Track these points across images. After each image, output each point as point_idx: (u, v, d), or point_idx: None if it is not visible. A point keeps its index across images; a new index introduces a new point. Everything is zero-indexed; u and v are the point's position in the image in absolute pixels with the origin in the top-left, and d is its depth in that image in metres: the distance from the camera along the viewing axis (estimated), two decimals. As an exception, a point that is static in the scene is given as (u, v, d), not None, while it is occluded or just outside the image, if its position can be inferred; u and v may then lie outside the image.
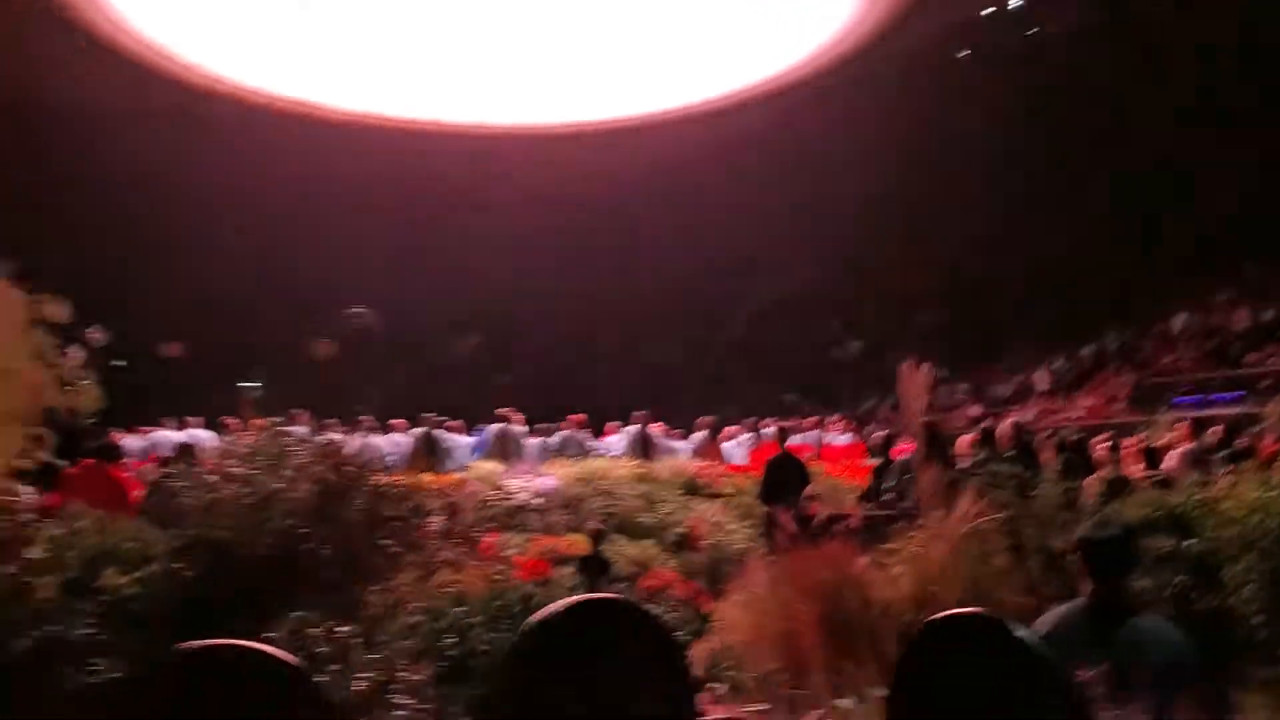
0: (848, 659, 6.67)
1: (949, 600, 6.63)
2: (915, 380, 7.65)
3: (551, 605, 2.47)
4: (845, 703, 5.04)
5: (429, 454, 17.15)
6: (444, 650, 3.91)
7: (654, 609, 3.99)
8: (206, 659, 2.19)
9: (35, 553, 5.29)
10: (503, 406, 18.46)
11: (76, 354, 7.54)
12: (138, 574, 5.43)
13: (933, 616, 2.43)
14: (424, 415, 18.30)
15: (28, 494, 6.64)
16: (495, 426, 17.67)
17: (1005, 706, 2.06)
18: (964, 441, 10.87)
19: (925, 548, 7.23)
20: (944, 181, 32.21)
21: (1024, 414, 25.25)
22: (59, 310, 6.93)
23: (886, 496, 10.82)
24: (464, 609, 4.09)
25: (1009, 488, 7.27)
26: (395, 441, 18.21)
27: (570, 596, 4.67)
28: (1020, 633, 2.11)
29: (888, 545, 7.39)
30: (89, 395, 7.05)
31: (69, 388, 6.85)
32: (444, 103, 28.21)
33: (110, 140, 25.86)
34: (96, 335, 15.43)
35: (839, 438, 19.18)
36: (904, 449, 11.69)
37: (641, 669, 2.56)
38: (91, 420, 8.47)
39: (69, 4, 21.35)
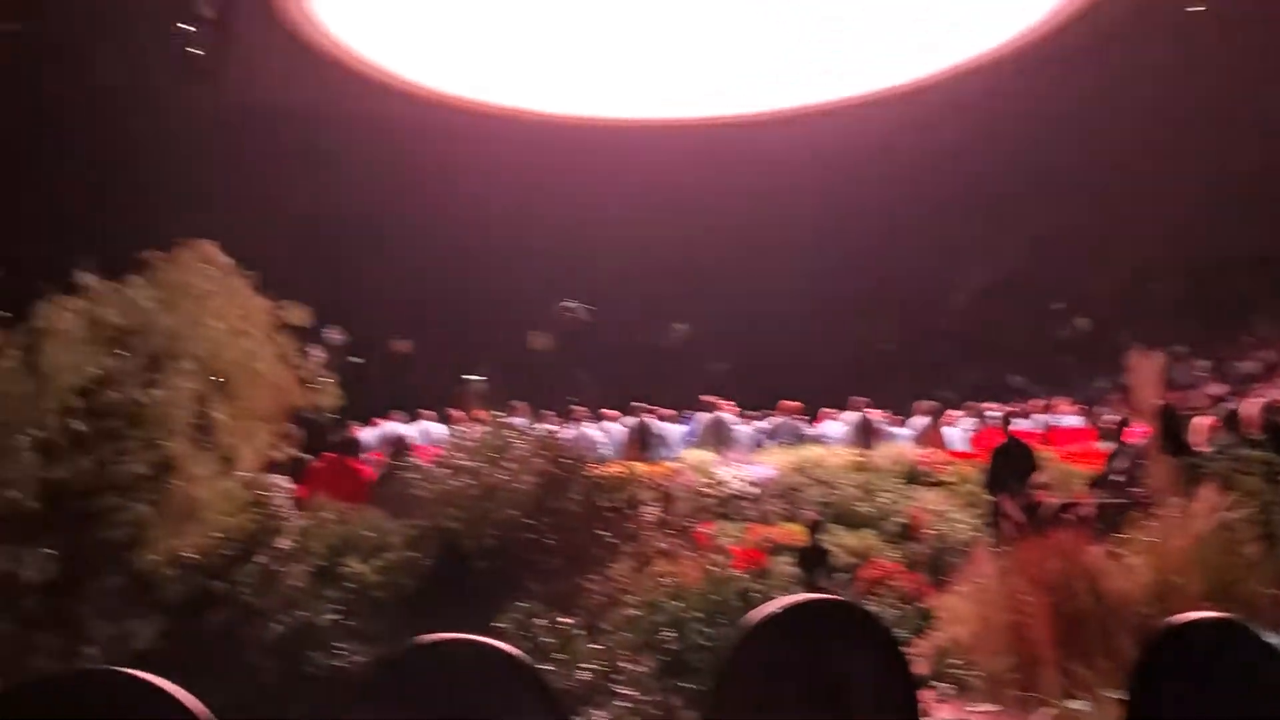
0: (1080, 656, 6.36)
1: (1191, 593, 6.25)
2: (1147, 366, 7.19)
3: (770, 603, 2.46)
4: (1079, 704, 4.80)
5: (641, 443, 17.37)
6: (664, 643, 3.95)
7: (874, 608, 3.90)
8: (441, 652, 2.29)
9: (285, 543, 5.65)
10: (716, 394, 18.51)
11: (317, 354, 8.03)
12: (377, 562, 5.72)
13: (1173, 618, 2.28)
14: (635, 404, 18.53)
15: (280, 487, 7.12)
16: (706, 414, 17.72)
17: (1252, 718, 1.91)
18: (1204, 424, 10.16)
19: (1164, 537, 6.82)
20: (1176, 142, 30.13)
21: (1272, 392, 23.47)
22: (300, 314, 7.40)
23: (1115, 480, 10.26)
24: (682, 603, 4.12)
25: (1258, 473, 6.76)
26: (608, 431, 18.56)
27: (788, 590, 4.66)
28: (1272, 640, 1.95)
29: (1122, 534, 6.99)
30: (329, 393, 7.50)
31: (311, 386, 7.31)
32: (654, 98, 28.47)
33: (335, 145, 27.38)
34: (335, 335, 16.41)
35: (1067, 421, 18.32)
36: (1137, 432, 11.04)
37: (863, 668, 2.52)
38: (332, 416, 9.01)
39: (301, 25, 22.70)
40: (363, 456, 14.17)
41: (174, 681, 2.45)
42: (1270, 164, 29.20)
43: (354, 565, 5.83)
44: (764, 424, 17.92)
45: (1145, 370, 7.17)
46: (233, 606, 5.43)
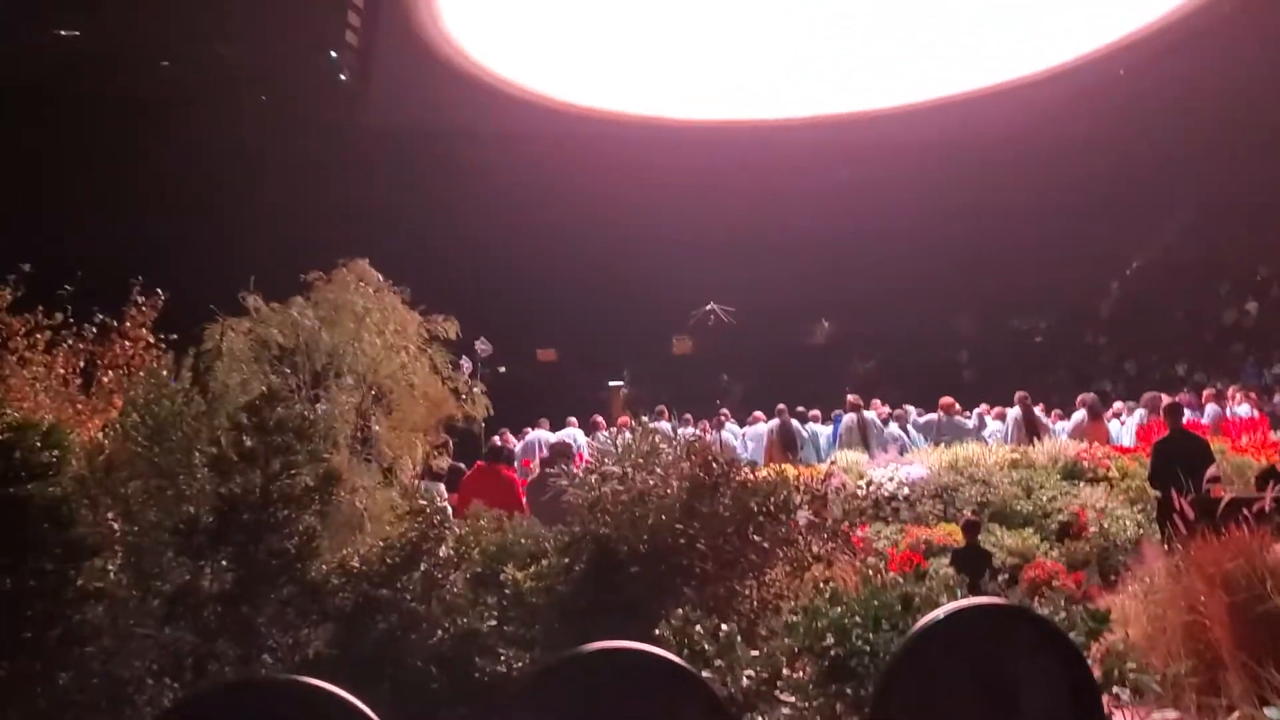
0: (1267, 658, 6.03)
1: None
2: None
3: (937, 610, 2.40)
4: (1273, 712, 4.53)
5: (784, 445, 17.24)
6: (825, 649, 3.90)
7: (1044, 611, 3.77)
8: (606, 660, 2.31)
9: (445, 551, 5.79)
10: (864, 393, 18.28)
11: (467, 365, 8.26)
12: (533, 569, 5.81)
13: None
14: (779, 407, 18.44)
15: (439, 495, 7.32)
16: (850, 414, 17.49)
17: None
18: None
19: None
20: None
21: None
22: (451, 327, 7.62)
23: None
24: (841, 608, 4.06)
25: None
26: (755, 433, 18.50)
27: (950, 593, 4.52)
28: None
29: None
30: (480, 403, 7.70)
31: (463, 397, 7.52)
32: (776, 97, 28.32)
33: (477, 162, 28.10)
34: (483, 346, 16.82)
35: (1240, 410, 17.41)
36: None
37: (1036, 674, 2.44)
38: (483, 425, 9.23)
39: (441, 47, 23.32)
40: (508, 463, 14.50)
41: (345, 687, 2.54)
42: None
43: (511, 572, 5.92)
44: (919, 421, 17.62)
45: None
46: (398, 613, 5.58)
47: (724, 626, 4.13)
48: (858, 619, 3.87)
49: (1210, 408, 17.30)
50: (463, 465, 10.18)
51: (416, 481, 7.18)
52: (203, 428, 5.94)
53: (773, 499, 5.72)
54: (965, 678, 1.98)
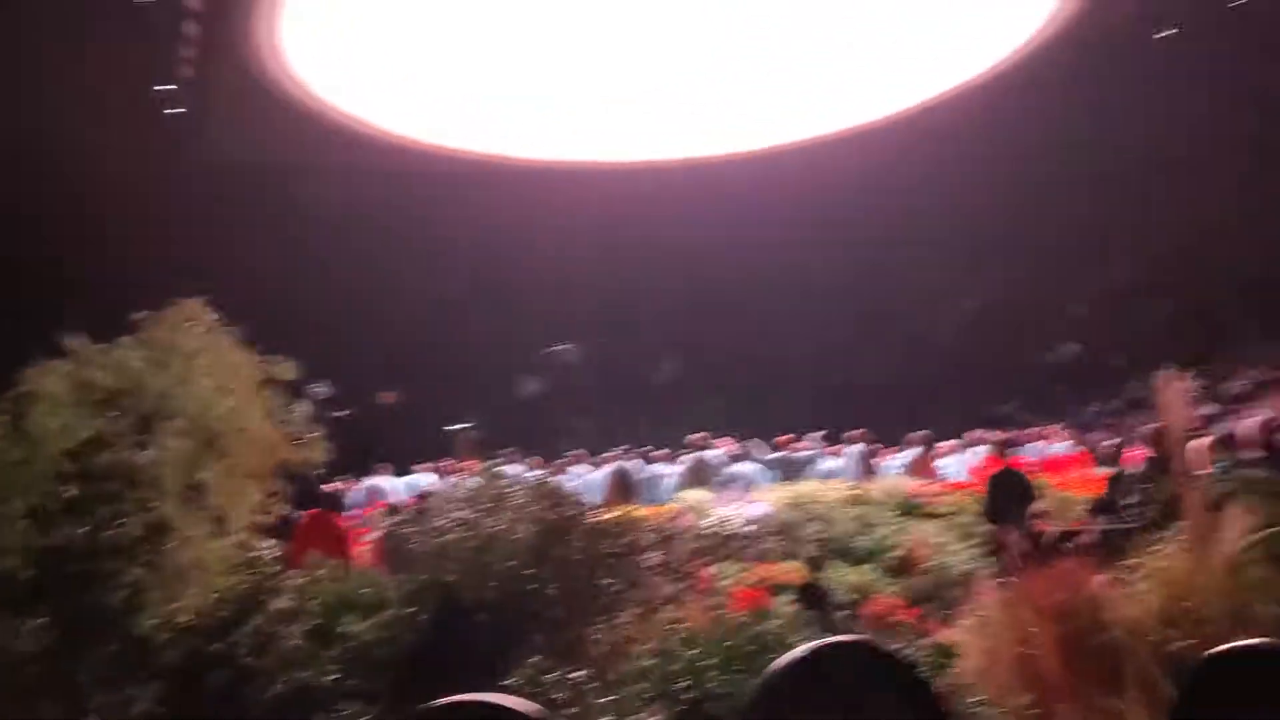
0: (1095, 684, 6.29)
1: (1203, 618, 6.18)
2: (1175, 389, 7.16)
3: (795, 650, 2.39)
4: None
5: (623, 487, 17.21)
6: (679, 693, 3.86)
7: (898, 647, 3.82)
8: (454, 715, 2.21)
9: (281, 603, 5.55)
10: (708, 431, 18.46)
11: (303, 409, 7.96)
12: (375, 620, 5.62)
13: (1217, 648, 2.22)
14: (618, 449, 18.48)
15: (270, 547, 7.02)
16: (695, 454, 17.64)
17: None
18: (1200, 445, 10.12)
19: (1170, 562, 6.76)
20: (1161, 165, 30.40)
21: (1264, 411, 23.51)
22: (287, 369, 7.33)
23: (1116, 506, 10.20)
24: (696, 650, 4.03)
25: (1260, 492, 6.72)
26: (592, 477, 18.42)
27: (799, 631, 4.54)
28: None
29: (1128, 561, 6.93)
30: (317, 448, 7.42)
31: (299, 442, 7.23)
32: (637, 139, 28.71)
33: (316, 199, 27.48)
34: (320, 389, 16.29)
35: (1061, 448, 18.31)
36: (1135, 457, 11.03)
37: (893, 712, 2.44)
38: (319, 472, 8.91)
39: (279, 82, 22.80)
40: (351, 512, 14.09)
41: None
42: (1254, 185, 29.52)
43: (352, 624, 5.72)
44: (760, 460, 17.89)
45: (1173, 392, 7.12)
46: (231, 669, 5.32)
47: (575, 673, 4.05)
48: (713, 660, 3.85)
49: (1034, 445, 18.13)
50: (297, 514, 9.83)
51: (250, 532, 6.87)
52: (20, 476, 5.57)
53: (624, 540, 5.68)
54: (823, 716, 1.96)
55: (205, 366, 6.72)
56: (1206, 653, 1.94)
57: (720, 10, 23.44)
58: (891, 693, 2.17)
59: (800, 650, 2.18)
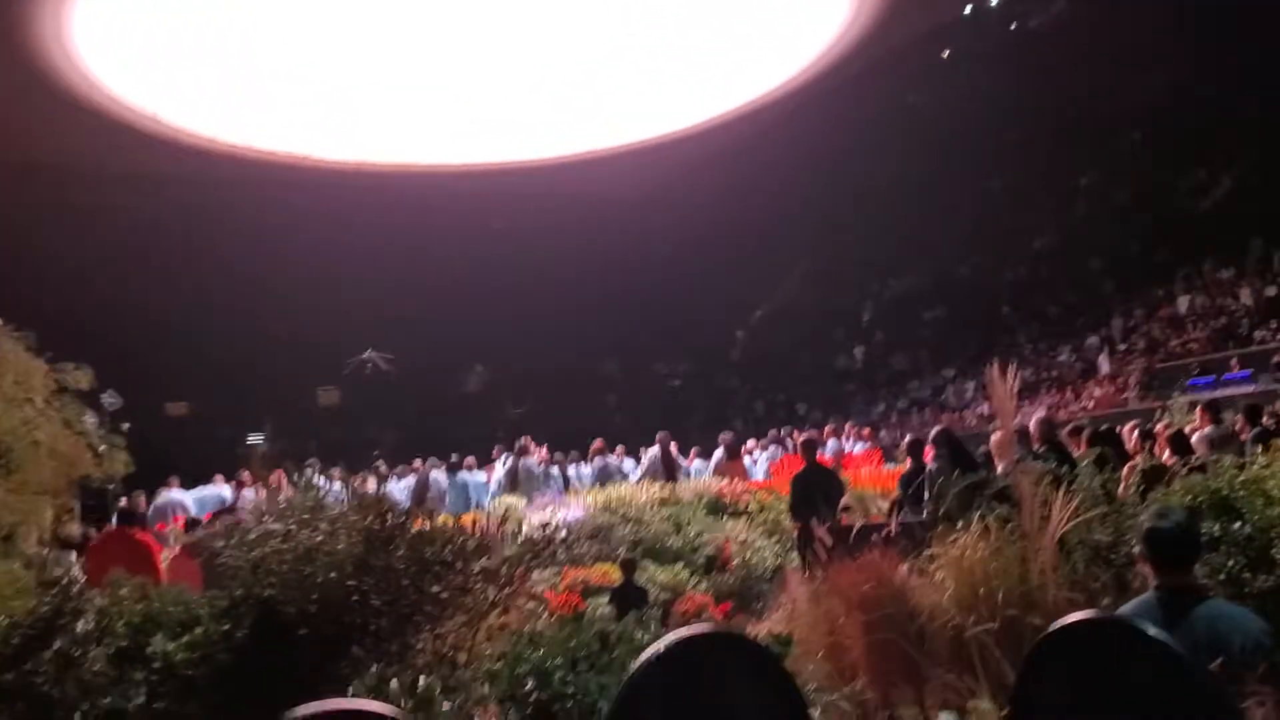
0: (898, 672, 6.61)
1: (996, 602, 6.58)
2: (1003, 385, 7.58)
3: (657, 642, 2.44)
4: (947, 716, 4.98)
5: (419, 497, 17.01)
6: (526, 695, 3.85)
7: (756, 638, 3.91)
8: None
9: (84, 624, 5.24)
10: (515, 438, 18.39)
11: (93, 419, 7.51)
12: (186, 639, 5.36)
13: (1055, 625, 2.39)
14: (421, 458, 18.23)
15: (70, 564, 6.59)
16: (509, 460, 17.57)
17: (1153, 712, 2.02)
18: (995, 441, 10.78)
19: (964, 551, 7.17)
20: (933, 180, 32.25)
21: (1037, 409, 25.20)
22: (82, 377, 6.91)
23: (913, 500, 10.74)
24: (542, 652, 4.02)
25: (1045, 484, 7.20)
26: (404, 486, 18.11)
27: (656, 634, 4.58)
28: (1152, 631, 2.06)
29: (927, 551, 7.32)
30: (119, 460, 7.03)
31: (99, 454, 6.83)
32: (439, 146, 28.35)
33: (103, 201, 25.98)
34: (111, 399, 15.43)
35: (856, 445, 19.13)
36: (929, 453, 11.63)
37: (754, 699, 2.52)
38: (113, 486, 8.43)
39: (62, 75, 21.43)
40: (141, 527, 13.35)
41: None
42: (1016, 190, 31.61)
43: (160, 644, 5.43)
44: (578, 465, 17.97)
45: (1001, 387, 7.53)
46: (26, 700, 4.97)
47: (422, 679, 3.98)
48: (558, 661, 3.85)
49: (831, 443, 18.86)
50: (93, 530, 9.27)
51: (45, 550, 6.44)
52: None
53: (448, 548, 5.62)
54: (691, 707, 2.01)
55: (-9, 376, 6.27)
56: (1047, 630, 2.08)
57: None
58: (755, 680, 2.24)
59: (661, 643, 2.23)
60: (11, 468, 6.25)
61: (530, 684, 3.88)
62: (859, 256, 35.66)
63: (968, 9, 30.05)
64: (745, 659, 2.13)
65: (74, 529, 7.01)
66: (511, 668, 4.08)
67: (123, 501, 13.45)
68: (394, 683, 3.93)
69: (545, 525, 7.18)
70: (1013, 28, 32.02)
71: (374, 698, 3.69)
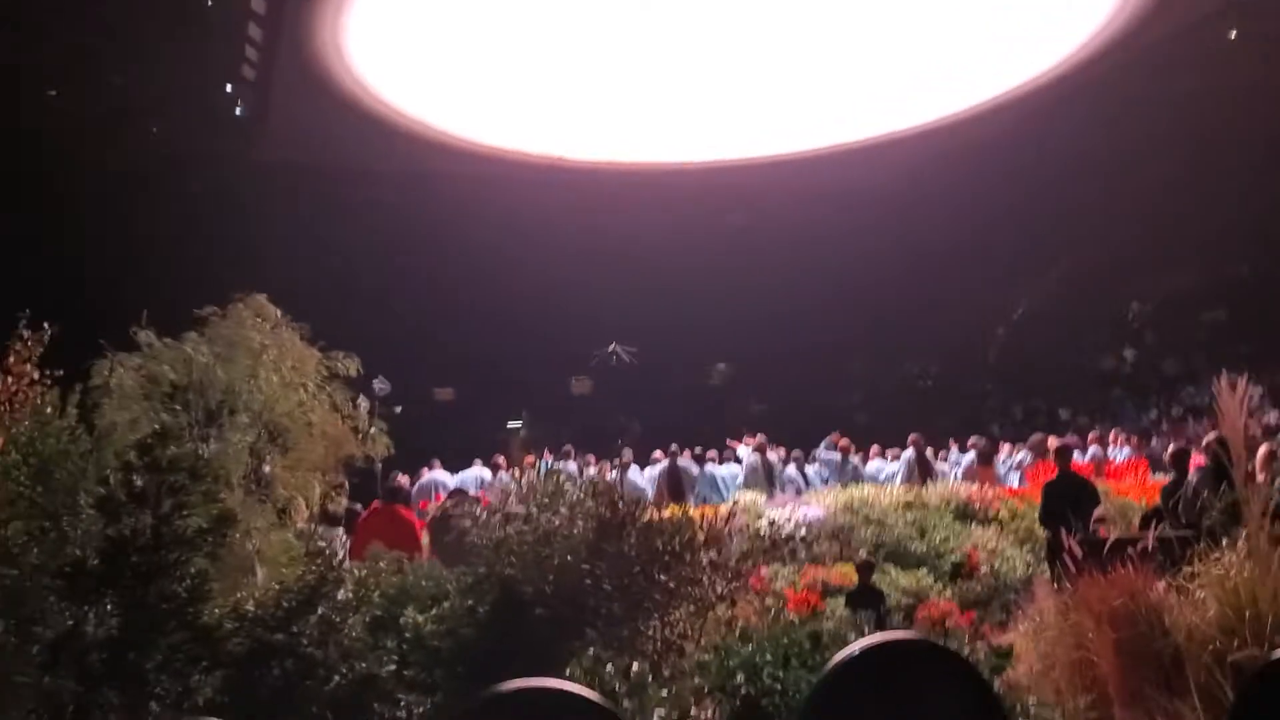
0: (1153, 689, 6.25)
1: (1262, 627, 6.11)
2: (1234, 397, 7.08)
3: (852, 645, 2.42)
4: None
5: (673, 487, 17.20)
6: (736, 688, 3.90)
7: (956, 647, 3.83)
8: (526, 699, 2.27)
9: (342, 594, 5.65)
10: (759, 434, 18.40)
11: (364, 404, 8.11)
12: (435, 612, 5.71)
13: (1268, 656, 2.22)
14: (671, 448, 18.45)
15: (336, 537, 7.15)
16: (752, 456, 17.59)
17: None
18: (1263, 453, 9.96)
19: (1229, 570, 6.68)
20: (1212, 173, 29.91)
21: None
22: (351, 365, 7.49)
23: (1176, 512, 10.07)
24: (751, 647, 4.06)
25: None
26: (652, 475, 18.46)
27: (857, 634, 4.57)
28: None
29: (1187, 568, 6.87)
30: (380, 442, 7.57)
31: (363, 436, 7.39)
32: (690, 143, 28.69)
33: (379, 199, 27.84)
34: (381, 385, 16.53)
35: (1121, 453, 18.06)
36: (1197, 462, 10.86)
37: (950, 708, 2.47)
38: (379, 465, 9.06)
39: (339, 80, 23.07)
40: (412, 505, 14.22)
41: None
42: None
43: (411, 615, 5.80)
44: (817, 464, 17.85)
45: (1231, 398, 7.04)
46: (293, 659, 5.42)
47: (635, 666, 4.10)
48: (768, 657, 3.88)
49: (1093, 450, 17.90)
50: (359, 506, 9.98)
51: (312, 523, 7.02)
52: (89, 467, 5.73)
53: (678, 539, 5.73)
54: (883, 713, 2.00)
55: (271, 361, 6.86)
56: (1267, 659, 1.94)
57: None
58: (951, 690, 2.20)
59: (855, 645, 2.22)
60: (288, 447, 6.84)
61: (740, 677, 3.92)
62: (1127, 255, 33.56)
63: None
64: (943, 667, 2.09)
65: (342, 504, 7.60)
66: (722, 660, 4.13)
67: (395, 480, 14.42)
68: (609, 667, 4.05)
69: (774, 523, 7.18)
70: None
71: (590, 681, 3.83)
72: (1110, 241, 33.14)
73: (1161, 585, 6.97)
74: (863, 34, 24.11)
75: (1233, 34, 27.92)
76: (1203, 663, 6.18)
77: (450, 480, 18.10)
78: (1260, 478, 8.70)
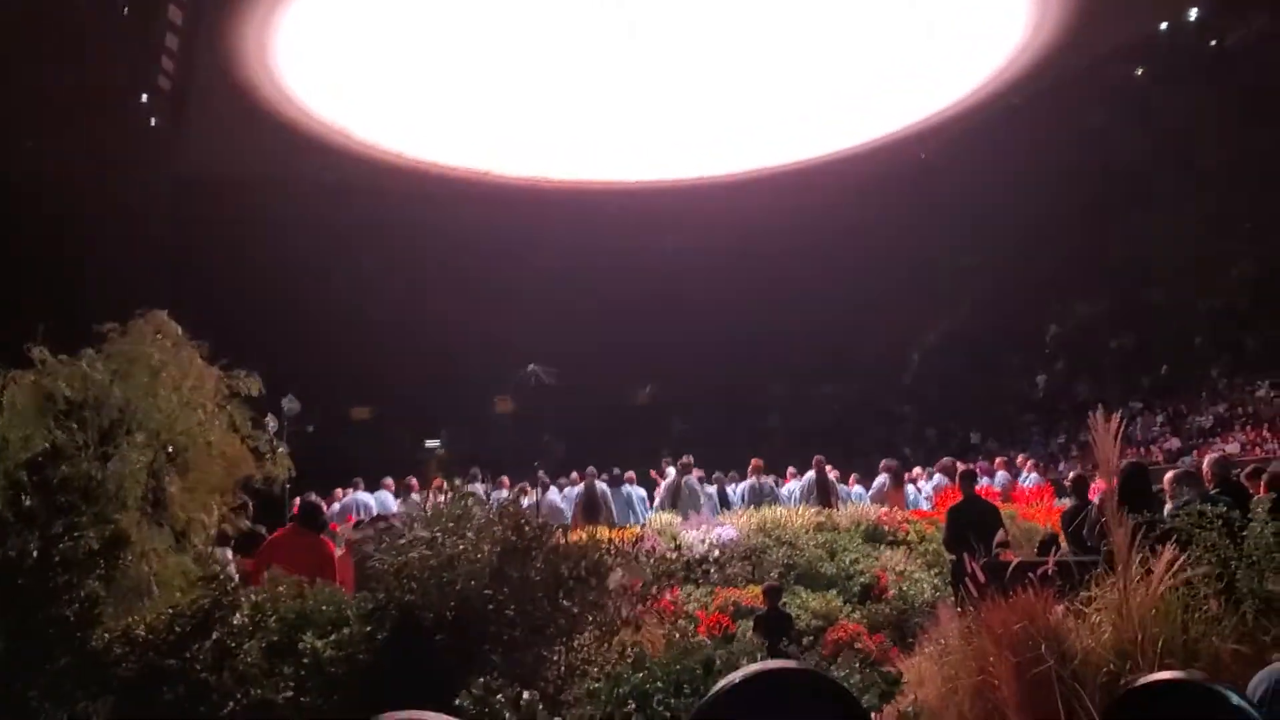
0: (1051, 713, 6.35)
1: (1155, 651, 6.26)
2: (1107, 430, 7.26)
3: (732, 674, 2.43)
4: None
5: (589, 509, 17.13)
6: (626, 715, 3.87)
7: (834, 674, 3.85)
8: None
9: (239, 618, 5.53)
10: (679, 455, 18.41)
11: (271, 423, 7.94)
12: (334, 637, 5.60)
13: (1136, 680, 2.28)
14: (588, 470, 18.39)
15: (231, 561, 6.99)
16: (669, 477, 17.59)
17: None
18: (1169, 479, 10.25)
19: (1126, 595, 6.83)
20: (1123, 204, 30.86)
21: (1228, 446, 23.76)
22: (254, 383, 7.33)
23: (1076, 537, 10.32)
24: (644, 674, 4.04)
25: (1216, 528, 6.80)
26: (569, 496, 18.36)
27: (755, 656, 4.60)
28: (1235, 700, 1.94)
29: (1085, 593, 7.01)
30: (283, 463, 7.41)
31: (265, 456, 7.23)
32: (596, 161, 28.78)
33: (292, 213, 27.46)
34: (291, 404, 16.28)
35: (1028, 478, 18.44)
36: (1098, 488, 11.13)
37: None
38: (286, 486, 8.88)
39: (260, 91, 22.74)
40: (321, 528, 13.94)
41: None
42: (1215, 224, 29.91)
43: (310, 641, 5.69)
44: (732, 485, 17.90)
45: (1105, 427, 7.22)
46: (186, 684, 5.29)
47: (525, 694, 4.06)
48: (659, 684, 3.86)
49: (1001, 475, 18.24)
50: (263, 529, 9.76)
51: (211, 546, 6.85)
52: (-24, 486, 5.54)
53: (584, 563, 5.69)
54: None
55: (171, 379, 6.70)
56: (1127, 684, 1.99)
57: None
58: (824, 716, 2.21)
59: (735, 675, 2.22)
60: (187, 467, 6.67)
61: (630, 705, 3.90)
62: (1041, 280, 34.43)
63: (1163, 25, 28.64)
64: (821, 697, 2.10)
65: (243, 525, 7.43)
66: (613, 688, 4.11)
67: (312, 500, 14.06)
68: (500, 696, 4.01)
69: (680, 546, 7.17)
70: (1211, 44, 30.32)
71: (479, 711, 3.79)
72: (1026, 268, 33.95)
73: (1060, 609, 7.10)
74: (786, 64, 24.47)
75: (1139, 71, 28.83)
76: (1098, 685, 6.30)
77: (372, 501, 17.82)
78: (1168, 505, 8.96)
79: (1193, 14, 29.86)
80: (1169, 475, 10.34)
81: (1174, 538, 6.62)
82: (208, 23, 20.02)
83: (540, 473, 18.17)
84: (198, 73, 21.56)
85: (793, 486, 18.11)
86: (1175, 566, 6.54)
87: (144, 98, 23.17)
